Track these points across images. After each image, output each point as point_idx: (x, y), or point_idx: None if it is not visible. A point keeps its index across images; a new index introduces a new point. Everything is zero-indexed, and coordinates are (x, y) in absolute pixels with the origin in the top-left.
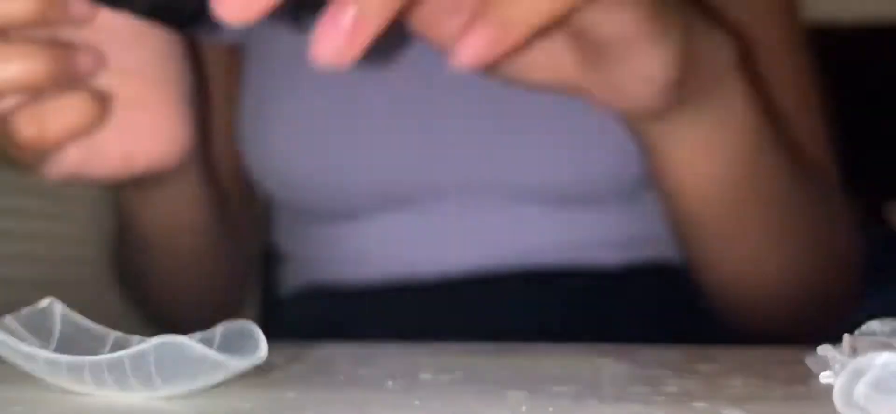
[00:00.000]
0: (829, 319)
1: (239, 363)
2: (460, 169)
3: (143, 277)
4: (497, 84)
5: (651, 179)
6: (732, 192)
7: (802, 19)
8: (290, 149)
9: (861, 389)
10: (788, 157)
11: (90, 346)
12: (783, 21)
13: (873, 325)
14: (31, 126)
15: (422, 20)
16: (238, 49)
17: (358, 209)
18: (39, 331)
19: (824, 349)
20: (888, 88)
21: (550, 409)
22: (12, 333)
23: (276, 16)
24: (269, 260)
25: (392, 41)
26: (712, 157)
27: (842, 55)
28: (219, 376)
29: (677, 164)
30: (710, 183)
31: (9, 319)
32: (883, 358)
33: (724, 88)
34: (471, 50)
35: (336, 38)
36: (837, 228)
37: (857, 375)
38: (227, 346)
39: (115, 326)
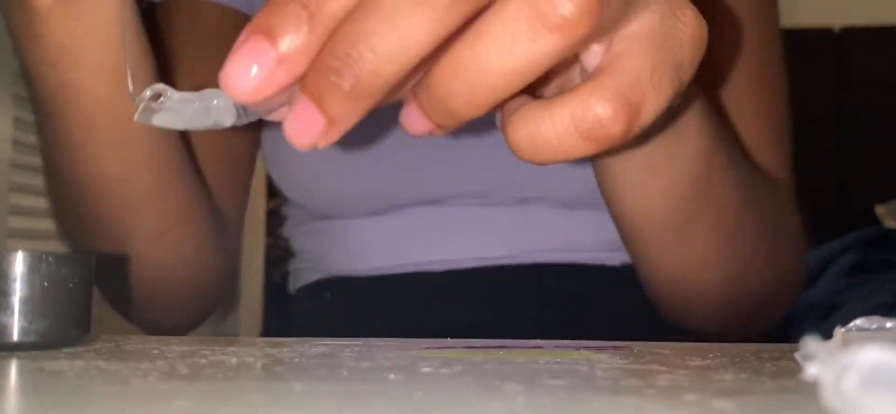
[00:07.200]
0: (764, 323)
1: None
2: (474, 173)
3: (74, 203)
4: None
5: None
6: (679, 205)
7: (778, 33)
8: (312, 160)
9: (849, 383)
10: (742, 171)
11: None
12: (762, 30)
13: (861, 321)
14: None
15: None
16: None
17: (375, 209)
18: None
19: (813, 344)
20: (880, 93)
21: (546, 401)
22: None
23: None
24: (273, 259)
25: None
26: (661, 176)
27: (836, 58)
28: None
29: (624, 182)
30: (657, 198)
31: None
32: (871, 353)
33: (682, 110)
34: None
35: (307, 133)
36: (783, 240)
37: (846, 369)
38: None
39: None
